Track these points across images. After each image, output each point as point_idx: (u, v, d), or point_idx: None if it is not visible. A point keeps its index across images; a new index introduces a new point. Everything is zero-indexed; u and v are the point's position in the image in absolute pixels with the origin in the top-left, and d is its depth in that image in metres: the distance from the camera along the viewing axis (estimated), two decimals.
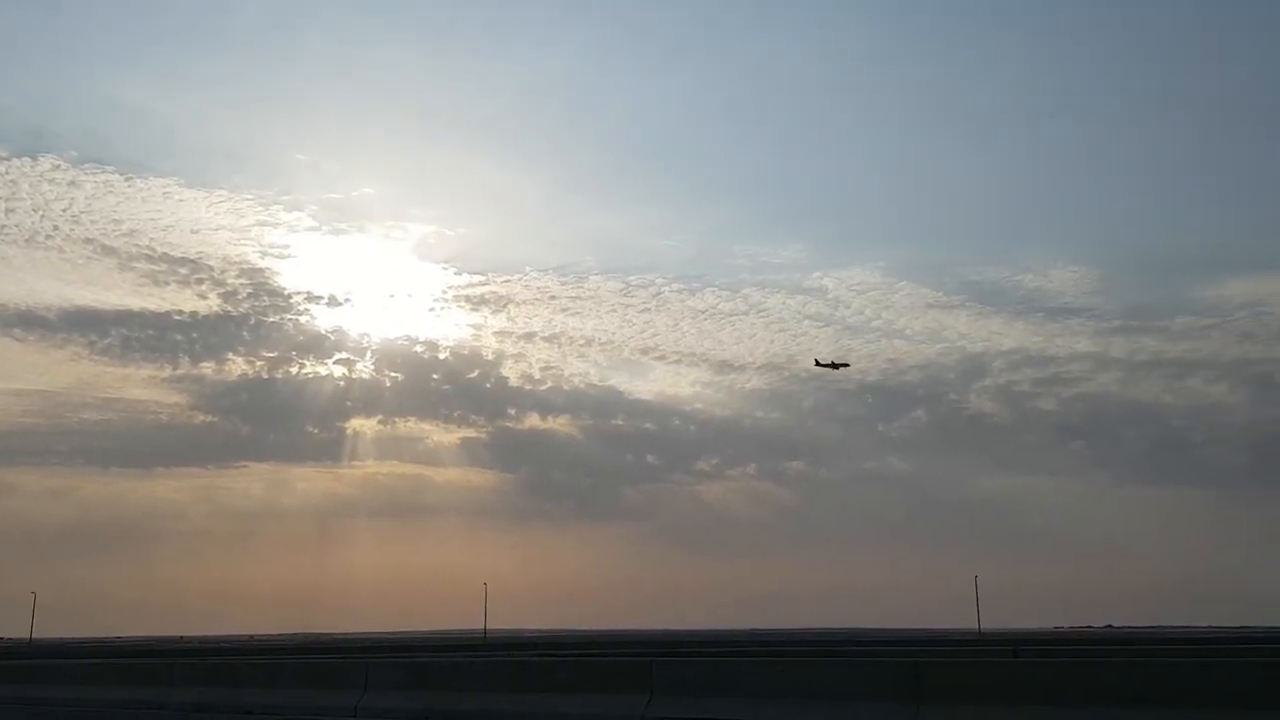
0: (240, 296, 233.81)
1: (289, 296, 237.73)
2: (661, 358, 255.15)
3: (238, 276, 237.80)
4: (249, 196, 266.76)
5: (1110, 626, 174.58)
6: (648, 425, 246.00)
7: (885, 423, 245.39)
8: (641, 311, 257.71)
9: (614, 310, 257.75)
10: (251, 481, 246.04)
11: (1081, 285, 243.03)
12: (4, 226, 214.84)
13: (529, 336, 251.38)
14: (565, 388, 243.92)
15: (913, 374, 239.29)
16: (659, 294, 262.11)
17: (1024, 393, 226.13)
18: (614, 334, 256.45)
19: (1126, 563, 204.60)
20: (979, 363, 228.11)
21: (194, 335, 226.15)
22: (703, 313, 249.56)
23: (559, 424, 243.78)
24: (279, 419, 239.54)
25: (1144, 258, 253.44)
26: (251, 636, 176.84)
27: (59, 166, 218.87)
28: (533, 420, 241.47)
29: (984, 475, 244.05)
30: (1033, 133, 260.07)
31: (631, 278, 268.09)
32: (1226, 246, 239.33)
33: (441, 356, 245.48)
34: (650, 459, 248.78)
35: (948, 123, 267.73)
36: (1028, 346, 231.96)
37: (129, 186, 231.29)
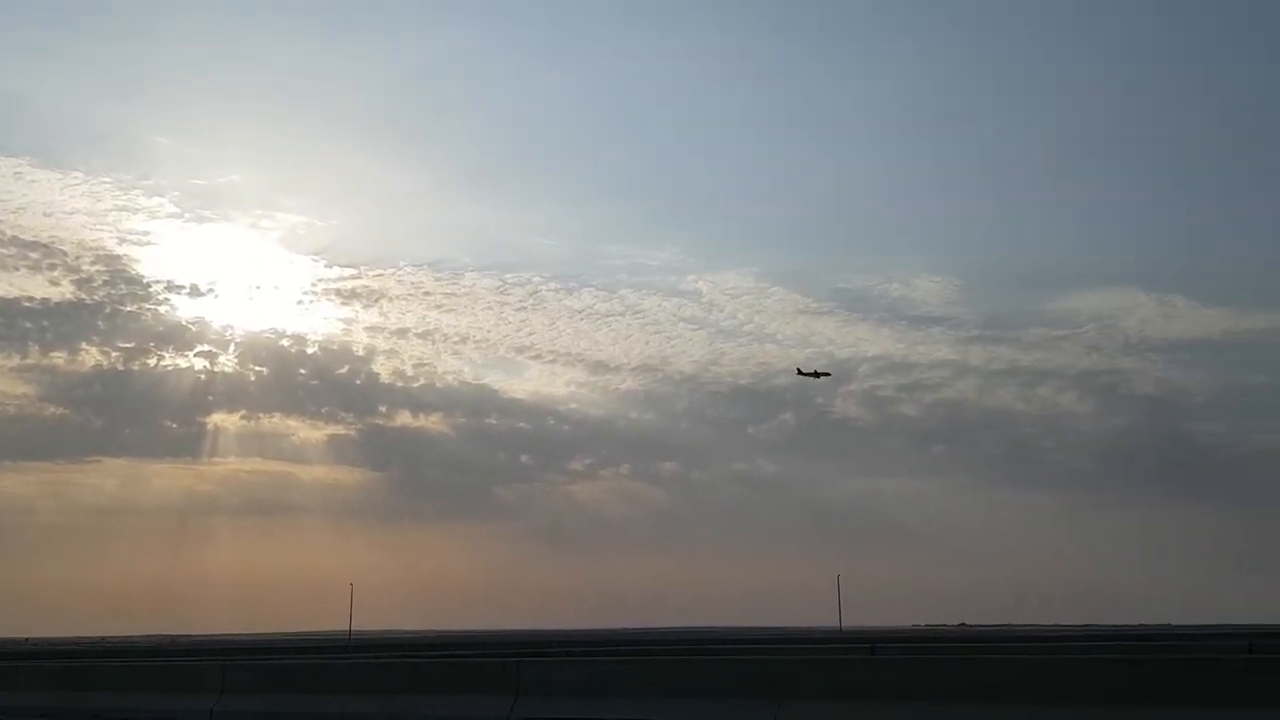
0: (96, 284, 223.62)
1: (148, 285, 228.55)
2: (537, 357, 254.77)
3: (93, 263, 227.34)
4: (107, 180, 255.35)
5: (964, 624, 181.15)
6: (522, 424, 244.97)
7: (755, 425, 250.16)
8: (518, 310, 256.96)
9: (490, 308, 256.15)
10: (105, 477, 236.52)
11: (943, 295, 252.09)
12: None
13: (402, 332, 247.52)
14: (438, 385, 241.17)
15: (782, 378, 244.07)
16: (536, 292, 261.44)
17: (888, 398, 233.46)
18: (489, 332, 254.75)
19: (981, 563, 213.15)
20: (846, 368, 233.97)
21: (45, 323, 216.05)
22: (579, 313, 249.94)
23: (431, 422, 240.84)
24: (135, 413, 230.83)
25: (1002, 269, 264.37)
26: (103, 638, 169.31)
27: None
28: (404, 418, 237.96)
29: (849, 477, 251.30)
30: (901, 143, 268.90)
31: (508, 275, 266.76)
32: (1078, 261, 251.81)
33: (310, 351, 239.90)
34: (523, 458, 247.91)
35: (821, 130, 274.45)
36: (892, 353, 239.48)
37: None
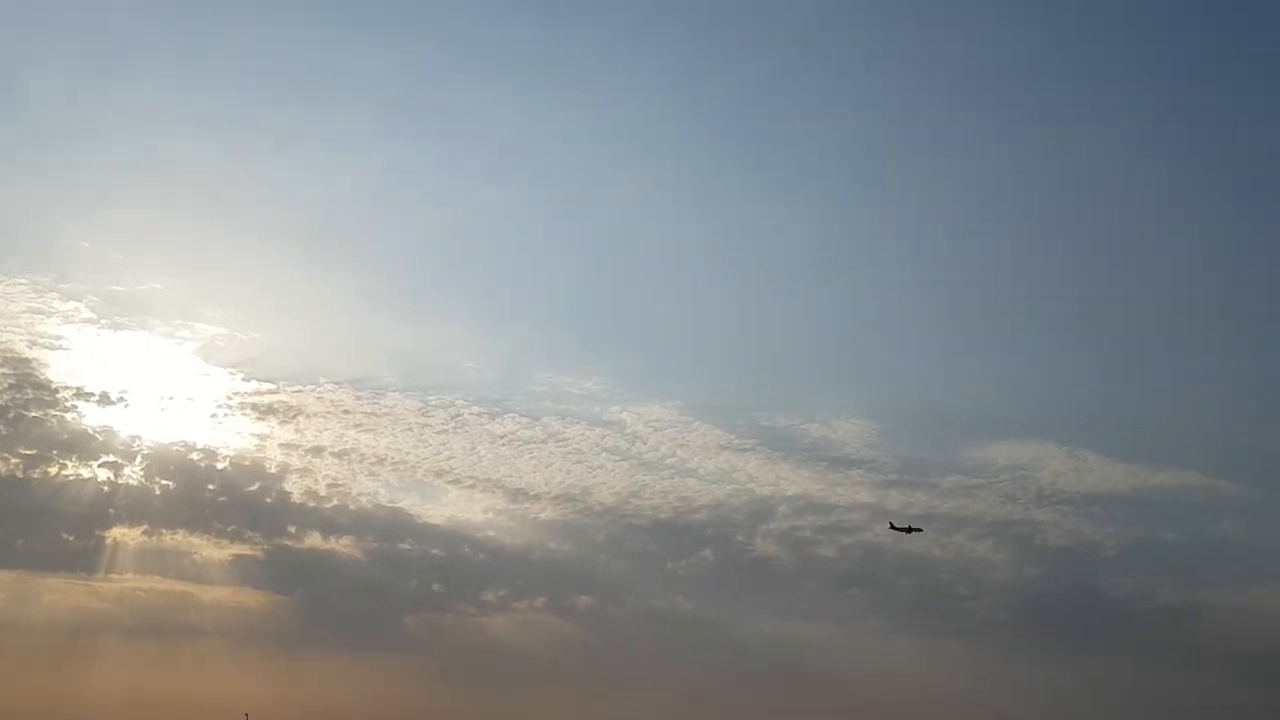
0: (1, 387, 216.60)
1: (56, 391, 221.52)
2: (456, 481, 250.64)
3: (1, 365, 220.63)
4: (22, 281, 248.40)
5: None
6: (436, 551, 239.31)
7: (674, 560, 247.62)
8: (439, 432, 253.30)
9: (410, 429, 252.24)
10: None
11: (863, 437, 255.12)
12: None
13: (317, 451, 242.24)
14: (351, 507, 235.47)
15: (703, 513, 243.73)
16: (458, 415, 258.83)
17: (806, 538, 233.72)
18: (408, 454, 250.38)
19: (893, 710, 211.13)
20: (766, 506, 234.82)
21: None
22: (501, 438, 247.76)
23: (341, 545, 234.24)
24: (30, 522, 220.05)
25: (921, 415, 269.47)
26: None
27: None
28: (314, 539, 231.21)
29: (765, 618, 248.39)
30: (828, 284, 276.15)
31: (431, 397, 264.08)
32: (994, 410, 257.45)
33: (220, 466, 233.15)
34: (435, 586, 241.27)
35: (748, 267, 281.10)
36: (811, 493, 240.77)
37: None
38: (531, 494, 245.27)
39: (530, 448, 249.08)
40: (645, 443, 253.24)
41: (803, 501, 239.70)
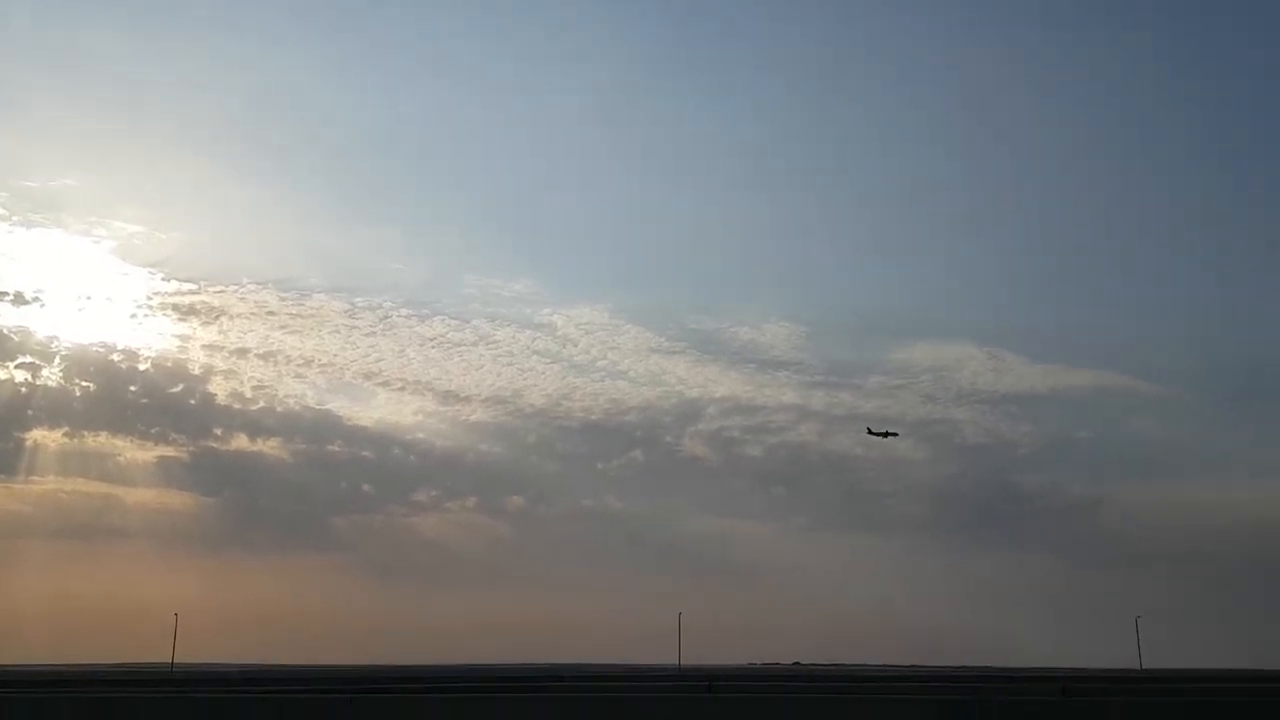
0: None
1: None
2: (385, 384, 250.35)
3: None
4: None
5: (798, 664, 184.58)
6: (365, 453, 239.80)
7: (604, 461, 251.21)
8: (367, 335, 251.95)
9: (337, 331, 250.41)
10: None
11: (790, 340, 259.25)
12: None
13: (242, 352, 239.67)
14: (278, 409, 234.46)
15: (633, 415, 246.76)
16: (387, 318, 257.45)
17: (734, 438, 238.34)
18: (336, 356, 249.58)
19: (817, 603, 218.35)
20: (695, 407, 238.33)
21: None
22: (431, 340, 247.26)
23: (269, 447, 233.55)
24: None
25: (847, 318, 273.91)
26: None
27: None
28: (240, 441, 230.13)
29: (694, 516, 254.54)
30: (756, 190, 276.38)
31: (358, 299, 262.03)
32: (917, 313, 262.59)
33: (142, 368, 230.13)
34: (365, 488, 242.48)
35: (679, 172, 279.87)
36: (739, 395, 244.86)
37: None
38: (462, 396, 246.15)
39: (460, 350, 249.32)
40: (576, 345, 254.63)
41: (731, 403, 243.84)
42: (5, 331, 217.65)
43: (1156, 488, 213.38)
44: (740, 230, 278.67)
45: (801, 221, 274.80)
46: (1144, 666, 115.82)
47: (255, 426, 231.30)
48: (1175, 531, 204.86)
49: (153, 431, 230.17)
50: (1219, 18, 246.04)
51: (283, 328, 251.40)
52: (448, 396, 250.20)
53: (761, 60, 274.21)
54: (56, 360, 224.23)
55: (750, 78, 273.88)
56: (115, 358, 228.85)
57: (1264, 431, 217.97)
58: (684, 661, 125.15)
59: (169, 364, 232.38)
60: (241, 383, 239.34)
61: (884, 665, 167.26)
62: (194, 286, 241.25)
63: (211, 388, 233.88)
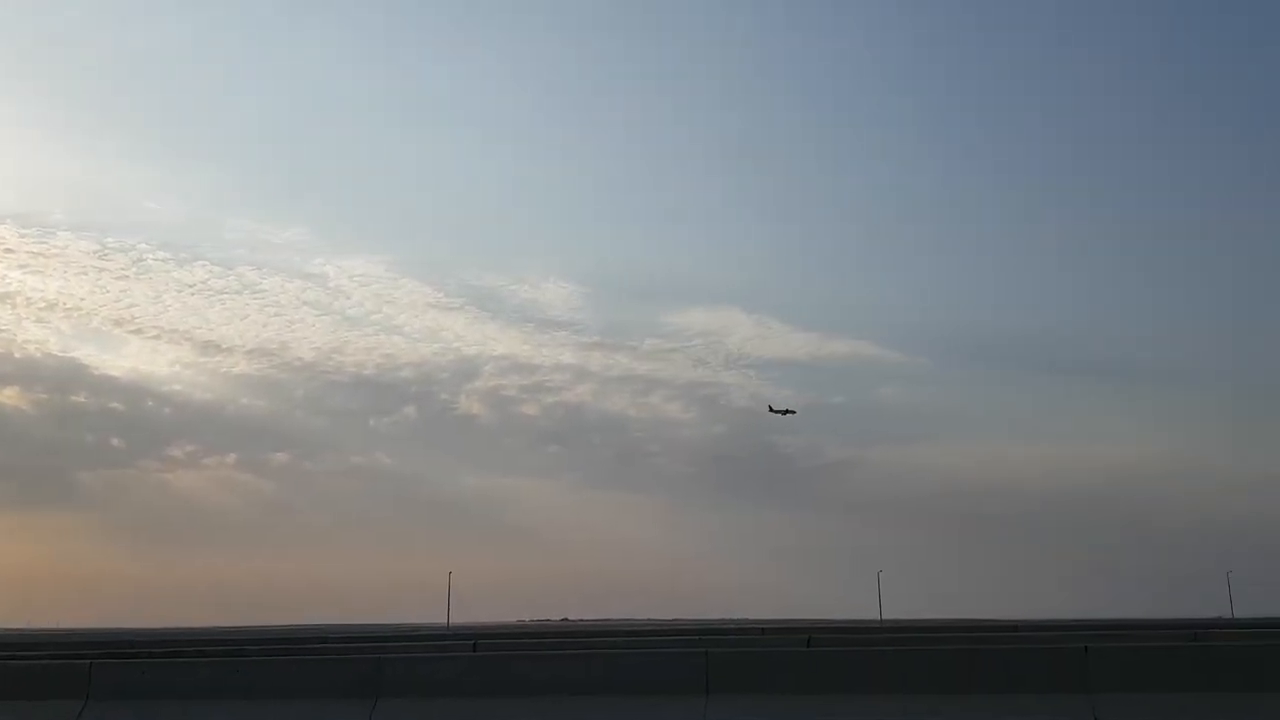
0: None
1: None
2: (138, 331, 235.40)
3: None
4: None
5: (566, 619, 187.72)
6: (115, 404, 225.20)
7: (377, 417, 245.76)
8: (119, 278, 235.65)
9: (85, 273, 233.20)
10: None
11: (569, 301, 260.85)
12: None
13: None
14: (17, 355, 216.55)
15: (408, 370, 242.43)
16: (141, 260, 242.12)
17: (510, 397, 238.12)
18: (83, 300, 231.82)
19: (586, 559, 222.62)
20: (472, 365, 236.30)
21: None
22: (190, 287, 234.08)
23: (6, 396, 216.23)
24: None
25: (625, 281, 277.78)
26: None
27: None
28: None
29: (468, 474, 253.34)
30: (536, 146, 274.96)
31: (109, 239, 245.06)
32: (691, 278, 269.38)
33: None
34: (115, 442, 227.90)
35: (460, 124, 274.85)
36: (517, 354, 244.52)
37: None
38: (224, 347, 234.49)
39: (223, 298, 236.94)
40: (349, 298, 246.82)
41: (508, 361, 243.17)
42: None
43: (903, 449, 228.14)
44: (522, 187, 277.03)
45: (583, 181, 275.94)
46: (884, 618, 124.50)
47: None
48: (917, 491, 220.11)
49: None
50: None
51: (22, 267, 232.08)
52: (208, 347, 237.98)
53: (550, 14, 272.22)
54: None
55: (537, 30, 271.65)
56: None
57: (994, 396, 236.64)
58: (453, 620, 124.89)
59: None
60: None
61: (650, 620, 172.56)
62: None
63: None
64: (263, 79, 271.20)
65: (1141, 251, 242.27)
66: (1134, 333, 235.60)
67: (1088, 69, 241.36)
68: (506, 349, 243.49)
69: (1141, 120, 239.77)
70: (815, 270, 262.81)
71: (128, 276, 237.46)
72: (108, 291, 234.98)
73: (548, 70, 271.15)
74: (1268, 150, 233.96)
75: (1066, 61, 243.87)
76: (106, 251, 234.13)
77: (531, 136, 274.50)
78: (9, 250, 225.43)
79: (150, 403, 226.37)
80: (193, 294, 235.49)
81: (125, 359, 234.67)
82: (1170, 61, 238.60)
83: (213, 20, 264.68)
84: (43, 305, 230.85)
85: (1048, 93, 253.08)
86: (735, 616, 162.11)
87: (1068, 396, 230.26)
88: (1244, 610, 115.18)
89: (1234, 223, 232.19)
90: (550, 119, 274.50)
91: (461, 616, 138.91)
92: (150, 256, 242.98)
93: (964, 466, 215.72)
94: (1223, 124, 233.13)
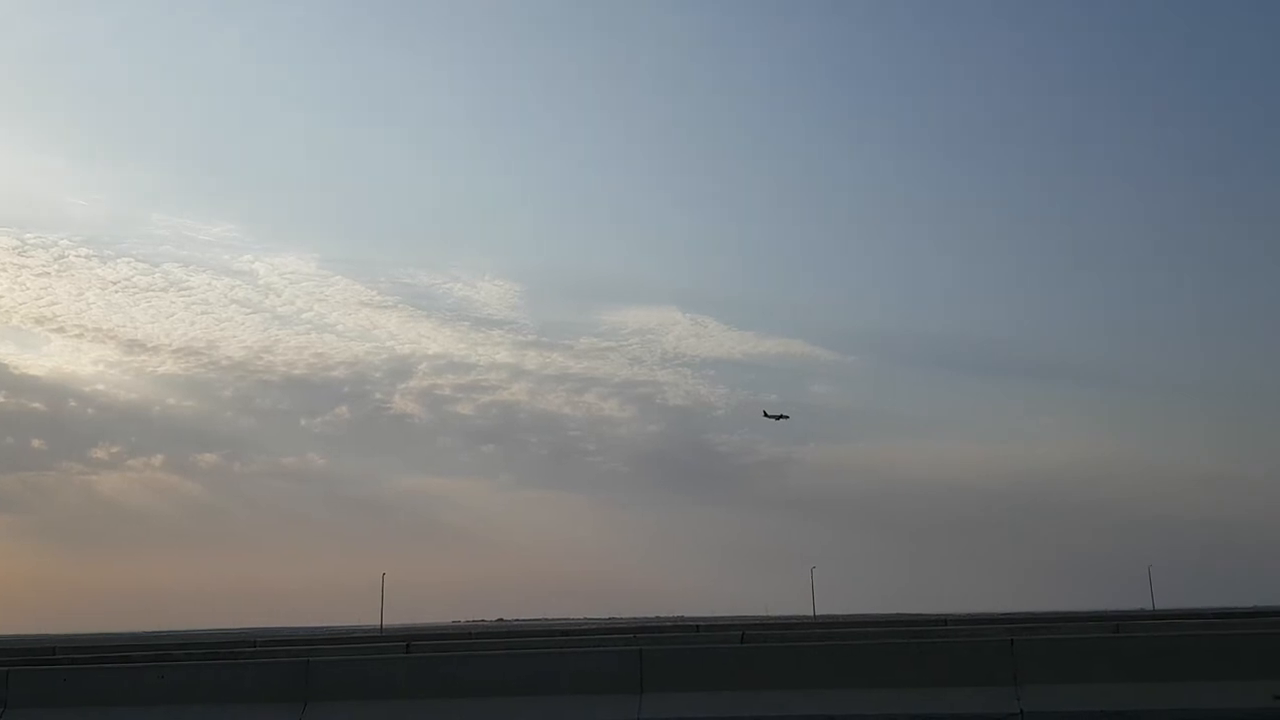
0: None
1: None
2: (60, 330, 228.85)
3: None
4: None
5: (501, 620, 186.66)
6: (36, 405, 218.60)
7: (308, 417, 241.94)
8: (39, 275, 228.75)
9: (4, 270, 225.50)
10: None
11: (505, 299, 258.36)
12: None
13: None
14: None
15: (340, 370, 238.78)
16: (63, 257, 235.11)
17: (445, 396, 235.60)
18: (2, 298, 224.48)
19: (521, 559, 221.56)
20: (406, 364, 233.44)
21: None
22: (114, 284, 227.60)
23: None
24: None
25: (561, 279, 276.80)
26: None
27: None
28: None
29: (401, 474, 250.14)
30: (471, 142, 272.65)
31: (29, 234, 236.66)
32: (627, 277, 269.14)
33: None
34: (36, 443, 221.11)
35: (394, 118, 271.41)
36: (452, 352, 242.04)
37: None
38: (149, 346, 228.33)
39: (148, 296, 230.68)
40: (280, 295, 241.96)
41: (443, 360, 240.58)
42: None
43: (835, 448, 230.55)
44: (457, 185, 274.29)
45: (519, 177, 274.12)
46: (817, 614, 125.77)
47: None
48: (850, 488, 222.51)
49: None
50: None
51: None
52: (133, 346, 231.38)
53: (484, 11, 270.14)
54: None
55: (472, 27, 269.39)
56: None
57: (926, 396, 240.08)
58: (387, 622, 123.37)
59: None
60: None
61: (585, 619, 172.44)
62: None
63: None
64: (189, 72, 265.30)
65: (1078, 253, 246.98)
66: (1064, 335, 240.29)
67: (1031, 64, 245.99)
68: (441, 348, 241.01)
69: (1078, 119, 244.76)
70: (752, 270, 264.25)
71: (49, 274, 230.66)
72: (28, 289, 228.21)
73: (483, 67, 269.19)
74: (1209, 150, 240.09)
75: (1000, 56, 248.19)
76: (26, 248, 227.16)
77: (466, 133, 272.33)
78: None
79: (73, 403, 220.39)
80: (117, 291, 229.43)
81: (47, 358, 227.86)
82: (1125, 61, 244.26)
83: (137, 10, 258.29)
84: None
85: (984, 89, 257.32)
86: (671, 615, 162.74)
87: (999, 396, 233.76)
88: (1164, 602, 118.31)
89: (1166, 227, 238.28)
90: (485, 116, 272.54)
91: (395, 618, 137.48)
92: (72, 253, 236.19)
93: (896, 465, 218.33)
94: (1164, 124, 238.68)
